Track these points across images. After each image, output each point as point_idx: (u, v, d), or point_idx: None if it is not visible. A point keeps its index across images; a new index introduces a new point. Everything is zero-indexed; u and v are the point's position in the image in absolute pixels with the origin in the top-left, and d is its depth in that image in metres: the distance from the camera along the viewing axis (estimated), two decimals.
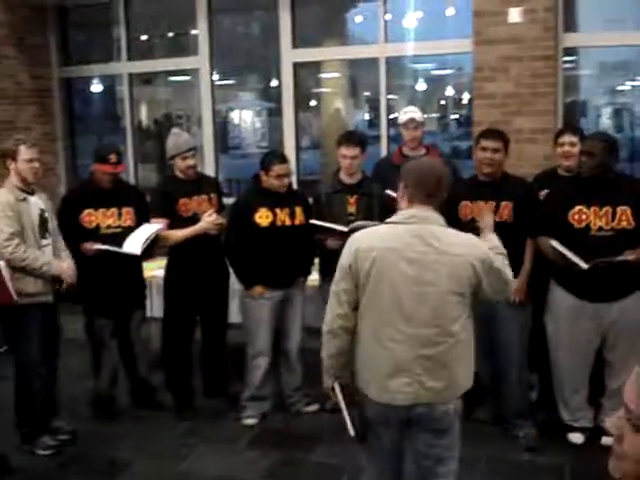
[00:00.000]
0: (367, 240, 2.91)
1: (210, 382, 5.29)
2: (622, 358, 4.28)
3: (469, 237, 2.98)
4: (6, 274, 4.14)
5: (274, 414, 5.01)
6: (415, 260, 2.80)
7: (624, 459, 1.32)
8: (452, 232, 2.92)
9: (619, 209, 4.16)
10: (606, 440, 4.40)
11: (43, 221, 4.50)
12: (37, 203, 4.51)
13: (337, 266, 2.95)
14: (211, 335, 5.19)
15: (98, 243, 4.74)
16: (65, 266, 4.52)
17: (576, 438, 4.48)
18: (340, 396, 3.00)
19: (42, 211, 4.51)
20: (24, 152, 4.41)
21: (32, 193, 4.50)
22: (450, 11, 8.23)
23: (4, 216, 4.31)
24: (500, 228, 4.44)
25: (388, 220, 2.97)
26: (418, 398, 2.85)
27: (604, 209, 4.17)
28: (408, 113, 5.23)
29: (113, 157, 4.75)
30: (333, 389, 3.02)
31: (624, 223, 4.15)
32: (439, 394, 2.86)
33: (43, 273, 4.39)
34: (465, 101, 12.28)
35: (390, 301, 2.83)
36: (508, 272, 2.99)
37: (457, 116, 19.34)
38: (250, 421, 4.89)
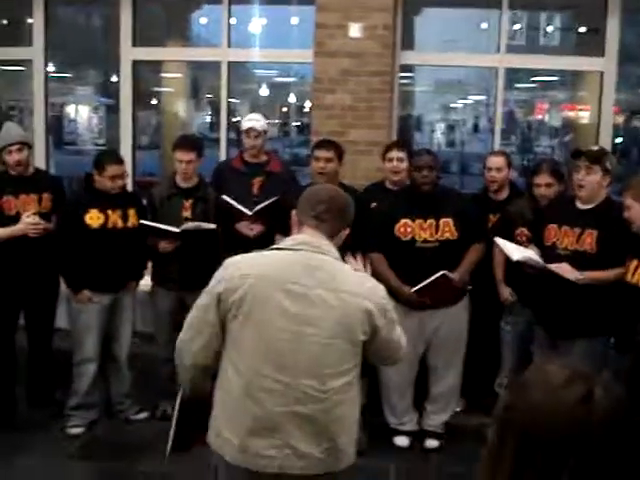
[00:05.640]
0: (245, 265, 2.45)
1: (35, 390, 5.04)
2: (444, 364, 4.50)
3: (366, 277, 2.60)
4: None
5: (102, 423, 4.86)
6: (298, 294, 2.37)
7: None
8: (347, 268, 2.52)
9: (442, 221, 4.36)
10: (430, 443, 4.61)
11: None
12: None
13: (205, 289, 2.50)
14: (36, 341, 4.97)
15: None
16: None
17: (401, 441, 4.66)
18: (178, 405, 2.65)
19: None
20: None
21: None
22: (294, 20, 8.33)
23: None
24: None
25: (273, 246, 2.58)
26: (286, 467, 2.37)
27: (428, 221, 4.36)
28: (249, 122, 5.13)
29: None
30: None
31: (447, 234, 4.36)
32: (315, 464, 2.39)
33: None
34: (307, 109, 12.49)
35: (262, 341, 2.37)
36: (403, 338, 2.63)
37: (299, 123, 19.63)
38: (76, 430, 4.71)
